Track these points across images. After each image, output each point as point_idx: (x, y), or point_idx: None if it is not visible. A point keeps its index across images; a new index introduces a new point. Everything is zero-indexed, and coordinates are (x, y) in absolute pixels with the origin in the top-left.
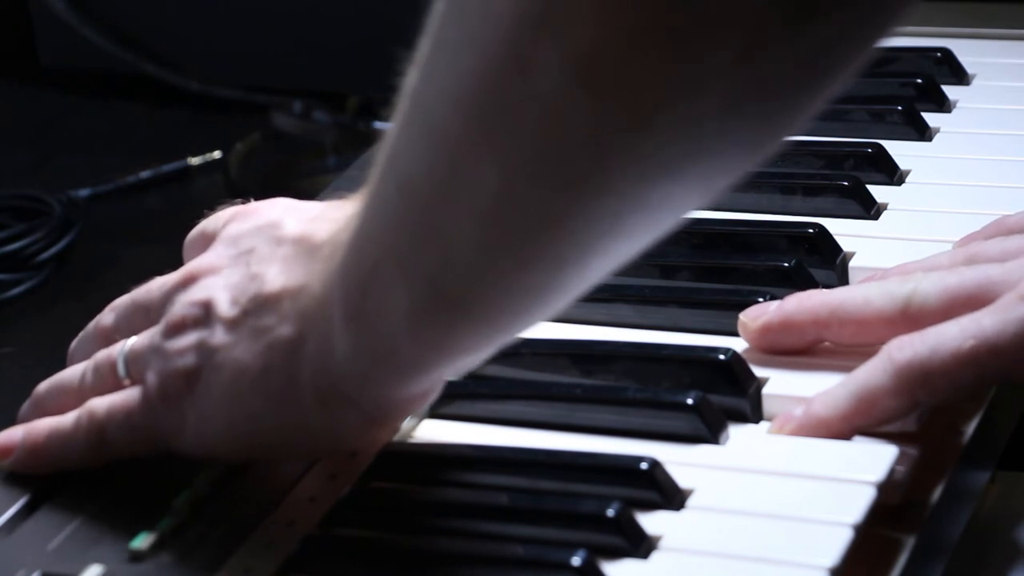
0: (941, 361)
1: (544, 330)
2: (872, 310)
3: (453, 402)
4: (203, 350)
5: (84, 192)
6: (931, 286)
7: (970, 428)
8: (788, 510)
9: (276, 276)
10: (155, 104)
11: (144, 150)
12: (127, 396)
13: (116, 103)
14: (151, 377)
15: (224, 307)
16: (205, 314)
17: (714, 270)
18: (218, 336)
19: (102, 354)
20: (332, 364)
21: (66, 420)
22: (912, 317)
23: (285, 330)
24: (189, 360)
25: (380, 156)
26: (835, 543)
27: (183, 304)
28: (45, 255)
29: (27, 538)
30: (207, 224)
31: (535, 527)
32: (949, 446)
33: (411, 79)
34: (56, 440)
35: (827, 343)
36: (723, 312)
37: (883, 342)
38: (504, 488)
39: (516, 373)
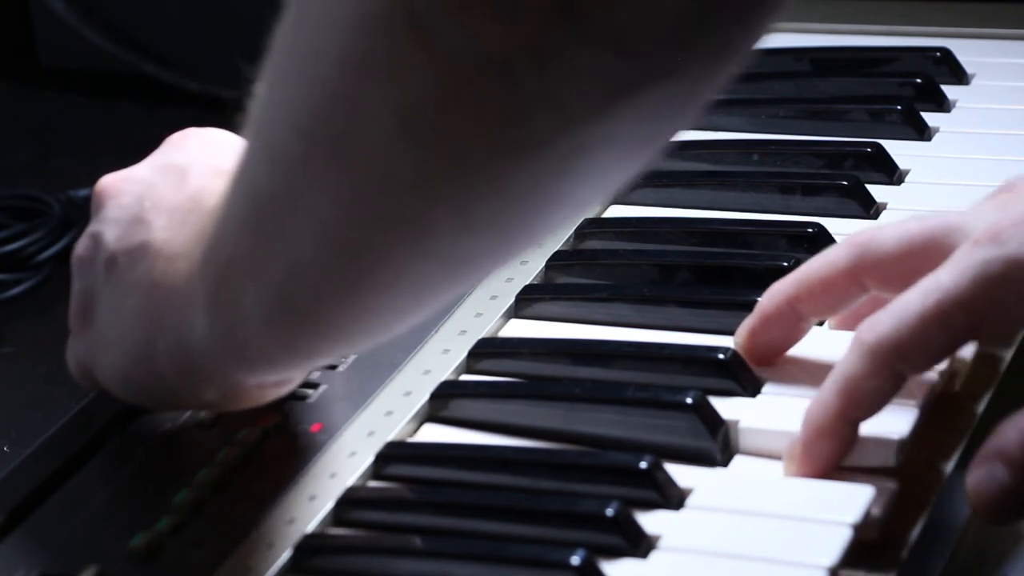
0: (909, 329)
1: (544, 330)
2: (830, 264)
3: (452, 402)
4: (90, 291)
5: (84, 192)
6: (889, 231)
7: (968, 428)
8: (787, 509)
9: (162, 230)
10: (155, 104)
11: (144, 150)
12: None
13: (116, 103)
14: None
15: (108, 243)
16: (95, 247)
17: (714, 270)
18: (99, 278)
19: None
20: (189, 341)
21: None
22: (868, 264)
23: (151, 296)
24: (83, 298)
25: (239, 157)
26: (835, 542)
27: (83, 238)
28: (45, 255)
29: (26, 538)
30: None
31: (534, 526)
32: (948, 442)
33: (259, 91)
34: None
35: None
36: (723, 312)
37: (852, 298)
38: (504, 488)
39: (516, 369)
